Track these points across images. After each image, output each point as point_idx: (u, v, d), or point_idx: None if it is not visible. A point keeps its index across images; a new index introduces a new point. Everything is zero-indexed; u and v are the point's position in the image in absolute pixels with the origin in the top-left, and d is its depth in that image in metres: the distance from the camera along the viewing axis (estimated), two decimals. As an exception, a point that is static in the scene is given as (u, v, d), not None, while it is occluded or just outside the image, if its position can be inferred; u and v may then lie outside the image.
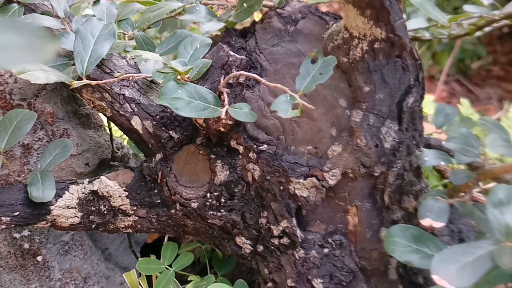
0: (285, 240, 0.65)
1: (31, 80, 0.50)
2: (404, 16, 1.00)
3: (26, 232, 0.79)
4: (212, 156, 0.64)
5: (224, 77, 0.57)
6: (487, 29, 0.85)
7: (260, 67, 0.66)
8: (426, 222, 0.53)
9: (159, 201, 0.67)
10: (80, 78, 0.59)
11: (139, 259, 0.73)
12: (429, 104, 1.39)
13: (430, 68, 3.11)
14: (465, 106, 1.23)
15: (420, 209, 0.55)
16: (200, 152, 0.64)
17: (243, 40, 0.70)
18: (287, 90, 0.53)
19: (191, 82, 0.57)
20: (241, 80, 0.59)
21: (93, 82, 0.60)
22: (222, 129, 0.60)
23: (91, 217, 0.67)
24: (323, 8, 0.76)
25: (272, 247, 0.67)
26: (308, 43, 0.68)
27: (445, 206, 0.54)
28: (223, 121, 0.58)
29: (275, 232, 0.65)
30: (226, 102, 0.55)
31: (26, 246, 0.80)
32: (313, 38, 0.69)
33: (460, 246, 0.45)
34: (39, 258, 0.82)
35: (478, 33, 0.88)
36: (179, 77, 0.55)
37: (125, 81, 0.68)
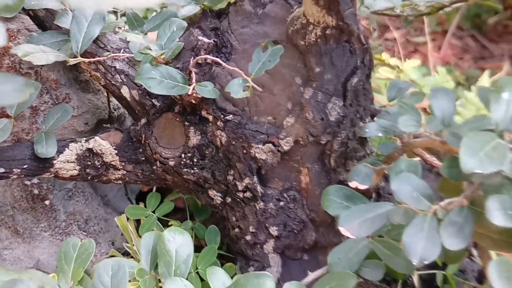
0: (248, 194, 0.78)
1: (34, 62, 0.62)
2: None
3: (35, 180, 0.93)
4: (186, 123, 0.76)
5: (194, 59, 0.68)
6: (447, 9, 0.93)
7: (230, 46, 0.77)
8: (353, 184, 0.65)
9: (143, 158, 0.80)
10: (75, 56, 0.71)
11: (128, 206, 0.87)
12: (415, 70, 1.48)
13: (445, 22, 3.13)
14: (441, 74, 1.32)
15: (350, 173, 0.67)
16: (177, 119, 0.76)
17: (217, 20, 0.80)
18: (242, 74, 0.64)
19: (166, 62, 0.69)
20: (209, 60, 0.70)
21: (86, 60, 0.71)
22: (193, 101, 0.72)
23: (87, 170, 0.80)
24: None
25: (238, 199, 0.80)
26: (274, 25, 0.78)
27: (371, 172, 0.66)
28: (193, 95, 0.69)
29: (240, 187, 0.78)
30: (194, 80, 0.67)
31: (36, 191, 0.95)
32: (279, 21, 0.78)
33: (366, 205, 0.57)
34: (46, 202, 0.96)
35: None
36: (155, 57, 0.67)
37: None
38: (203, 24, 0.76)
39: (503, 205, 0.46)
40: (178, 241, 0.55)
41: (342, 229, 0.55)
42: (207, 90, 0.66)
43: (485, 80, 1.25)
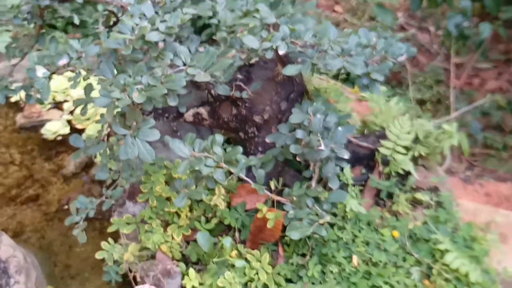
0: (253, 134, 2.08)
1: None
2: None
3: (174, 124, 2.32)
4: (232, 105, 2.08)
5: (235, 84, 1.99)
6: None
7: (251, 78, 2.07)
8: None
9: (217, 117, 2.13)
10: (196, 78, 2.06)
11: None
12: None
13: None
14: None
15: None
16: (229, 103, 2.09)
17: (248, 67, 2.10)
18: (248, 90, 1.95)
19: (226, 83, 2.01)
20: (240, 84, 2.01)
21: (200, 80, 2.06)
22: (234, 98, 2.03)
23: (196, 119, 2.15)
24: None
25: (249, 136, 2.10)
26: (270, 71, 2.07)
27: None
28: (234, 95, 2.01)
29: (249, 131, 2.08)
30: (233, 90, 1.98)
31: (174, 128, 2.33)
32: (271, 70, 2.07)
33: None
34: (178, 134, 2.35)
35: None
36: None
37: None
38: (241, 70, 2.07)
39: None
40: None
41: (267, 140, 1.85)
42: (239, 94, 1.97)
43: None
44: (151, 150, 1.54)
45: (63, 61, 1.82)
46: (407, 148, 2.20)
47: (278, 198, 1.81)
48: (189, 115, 2.14)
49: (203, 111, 2.14)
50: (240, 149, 1.79)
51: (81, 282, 2.18)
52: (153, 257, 1.98)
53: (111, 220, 2.08)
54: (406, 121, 2.14)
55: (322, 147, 1.64)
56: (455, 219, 2.10)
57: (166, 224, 2.04)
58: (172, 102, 1.57)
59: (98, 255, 2.00)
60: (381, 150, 2.13)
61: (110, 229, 2.05)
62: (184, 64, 1.63)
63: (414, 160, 2.26)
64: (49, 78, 1.86)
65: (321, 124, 1.69)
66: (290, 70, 1.74)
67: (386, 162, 2.16)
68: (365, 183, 2.17)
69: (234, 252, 1.89)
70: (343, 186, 2.02)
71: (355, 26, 4.76)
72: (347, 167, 2.04)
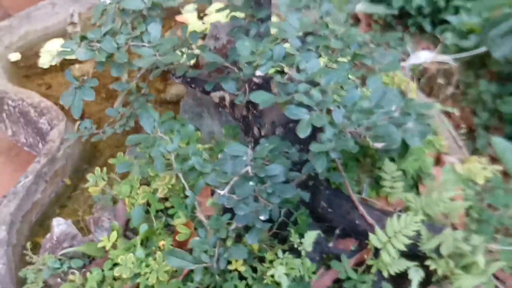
0: (257, 136, 1.89)
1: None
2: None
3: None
4: (245, 107, 1.89)
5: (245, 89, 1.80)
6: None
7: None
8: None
9: (234, 110, 1.98)
10: (226, 63, 1.92)
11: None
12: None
13: None
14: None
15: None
16: (244, 106, 1.91)
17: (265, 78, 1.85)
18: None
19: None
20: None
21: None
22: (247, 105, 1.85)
23: (220, 103, 2.04)
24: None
25: (256, 137, 1.91)
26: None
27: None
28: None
29: (248, 140, 1.89)
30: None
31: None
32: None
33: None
34: (202, 113, 2.27)
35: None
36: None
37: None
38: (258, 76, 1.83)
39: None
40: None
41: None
42: (239, 99, 1.78)
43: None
44: (79, 108, 1.57)
45: (106, 1, 1.92)
46: (416, 256, 1.72)
47: (202, 218, 1.67)
48: (215, 96, 2.04)
49: (227, 97, 2.01)
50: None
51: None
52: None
53: (117, 154, 2.22)
54: (412, 222, 1.64)
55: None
56: None
57: (144, 183, 2.09)
58: (115, 73, 1.55)
59: (89, 177, 2.19)
60: (372, 239, 1.70)
61: (110, 161, 2.20)
62: (149, 42, 1.56)
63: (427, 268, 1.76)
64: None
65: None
66: (255, 97, 1.50)
67: (377, 255, 1.74)
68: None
69: (162, 243, 1.86)
70: (292, 250, 1.72)
71: None
72: (311, 232, 1.72)
